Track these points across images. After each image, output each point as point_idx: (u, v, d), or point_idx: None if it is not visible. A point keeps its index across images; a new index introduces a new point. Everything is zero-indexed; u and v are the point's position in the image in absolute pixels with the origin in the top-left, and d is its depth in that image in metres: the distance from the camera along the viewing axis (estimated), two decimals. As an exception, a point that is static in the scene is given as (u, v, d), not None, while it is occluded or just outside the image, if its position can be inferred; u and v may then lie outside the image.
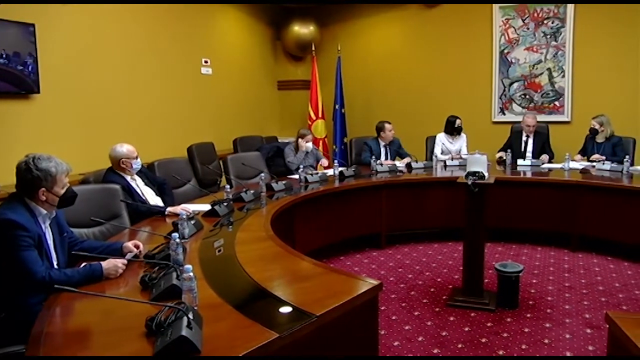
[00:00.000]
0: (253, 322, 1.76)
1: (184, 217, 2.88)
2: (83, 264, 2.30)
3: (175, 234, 2.34)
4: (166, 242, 2.54)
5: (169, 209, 3.55)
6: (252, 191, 4.05)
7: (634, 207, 4.40)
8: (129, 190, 3.58)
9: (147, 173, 4.03)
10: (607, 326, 1.89)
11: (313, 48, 7.63)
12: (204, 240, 2.87)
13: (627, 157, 4.95)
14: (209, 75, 6.54)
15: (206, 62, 6.47)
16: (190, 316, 1.62)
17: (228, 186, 4.03)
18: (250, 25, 7.48)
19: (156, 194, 3.87)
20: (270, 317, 1.84)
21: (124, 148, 3.66)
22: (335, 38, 7.76)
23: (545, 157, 5.55)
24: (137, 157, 3.71)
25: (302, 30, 7.71)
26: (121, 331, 1.74)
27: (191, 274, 1.83)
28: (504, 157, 5.58)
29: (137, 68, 5.41)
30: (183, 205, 3.66)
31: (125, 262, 2.35)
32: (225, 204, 3.59)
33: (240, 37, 7.28)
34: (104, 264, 2.26)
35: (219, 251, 2.71)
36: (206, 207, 3.59)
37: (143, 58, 5.48)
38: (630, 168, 4.86)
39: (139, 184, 3.75)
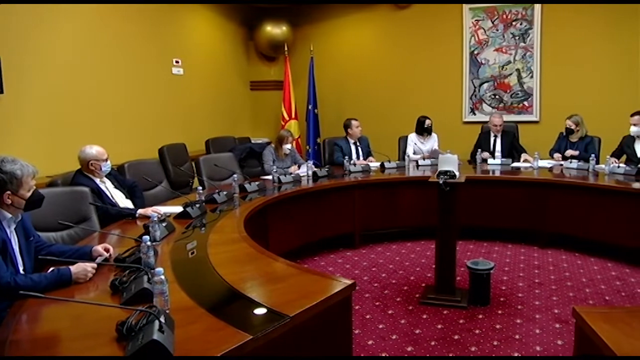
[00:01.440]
0: (226, 324, 1.75)
1: (155, 219, 2.84)
2: (51, 269, 2.25)
3: (146, 237, 2.31)
4: (137, 245, 2.50)
5: (140, 211, 3.49)
6: (224, 192, 4.03)
7: (599, 204, 4.52)
8: (98, 192, 3.52)
9: (117, 175, 3.96)
10: (575, 321, 1.94)
11: (286, 48, 7.61)
12: (175, 243, 2.84)
13: (592, 155, 5.09)
14: (181, 76, 6.45)
15: (177, 62, 6.38)
16: (162, 320, 1.60)
17: (200, 188, 3.99)
18: (222, 25, 7.41)
19: (126, 197, 3.81)
20: (243, 319, 1.83)
21: (94, 150, 3.60)
22: (308, 38, 7.76)
23: (526, 155, 5.64)
24: (107, 159, 3.65)
25: (274, 30, 7.68)
26: (91, 337, 1.70)
27: (162, 277, 1.81)
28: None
29: (106, 68, 5.29)
30: (154, 208, 3.60)
31: (95, 266, 2.30)
32: (197, 205, 3.56)
33: (211, 37, 7.21)
34: (73, 268, 2.21)
35: (192, 253, 2.68)
36: (178, 209, 3.55)
37: (112, 58, 5.37)
38: (596, 166, 5.00)
39: (108, 187, 3.68)
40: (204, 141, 6.46)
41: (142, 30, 5.78)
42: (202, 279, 2.31)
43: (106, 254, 2.47)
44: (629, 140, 5.17)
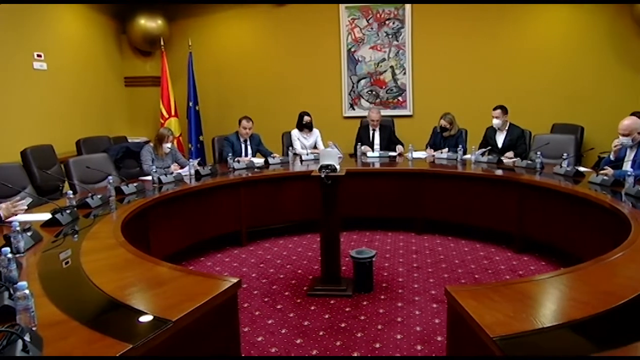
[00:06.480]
0: (103, 335, 1.64)
1: (18, 228, 2.58)
2: None
3: (6, 249, 2.09)
4: (-4, 259, 2.25)
5: None
6: (99, 196, 3.78)
7: (467, 191, 4.93)
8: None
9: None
10: (447, 299, 2.09)
11: (162, 43, 7.29)
12: (44, 253, 2.61)
13: (460, 146, 5.52)
14: (44, 71, 5.91)
15: (39, 56, 5.83)
16: (27, 338, 1.46)
17: (70, 192, 3.69)
18: (90, 16, 6.89)
19: (-18, 206, 3.41)
20: (122, 328, 1.72)
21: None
22: (185, 33, 7.51)
23: (400, 147, 5.99)
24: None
25: (149, 24, 7.32)
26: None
27: (26, 291, 1.65)
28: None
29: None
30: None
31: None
32: (68, 211, 3.29)
33: (79, 29, 6.68)
34: None
35: (67, 263, 2.48)
36: (46, 216, 3.26)
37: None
38: (464, 157, 5.44)
39: (-42, 195, 3.28)
40: (74, 142, 6.00)
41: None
42: (75, 290, 2.14)
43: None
44: (491, 132, 5.69)
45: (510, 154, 5.43)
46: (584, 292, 1.97)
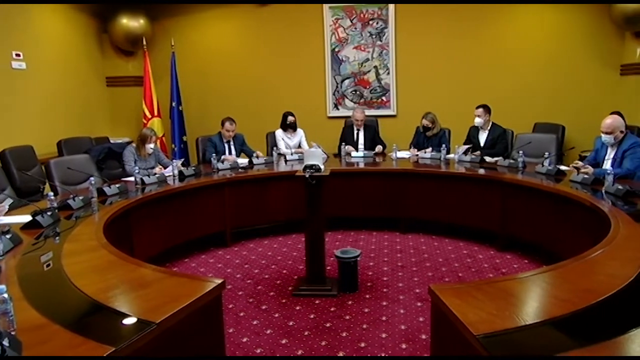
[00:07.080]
0: (85, 339, 1.62)
1: (-3, 231, 2.54)
2: None
3: (-15, 252, 2.05)
4: (-26, 263, 2.21)
5: None
6: (81, 197, 3.73)
7: (450, 190, 4.97)
8: None
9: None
10: (431, 298, 2.10)
11: (144, 42, 7.22)
12: (23, 256, 2.56)
13: (443, 146, 5.56)
14: (23, 70, 5.80)
15: (18, 55, 5.73)
16: (6, 343, 1.44)
17: (51, 193, 3.64)
18: (70, 15, 6.79)
19: (-40, 208, 3.35)
20: (105, 331, 1.70)
21: None
22: (168, 32, 7.44)
23: (379, 147, 6.01)
24: None
25: (131, 23, 7.24)
26: None
27: (5, 295, 1.62)
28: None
29: None
30: None
31: None
32: (49, 213, 3.24)
33: (59, 29, 6.58)
34: None
35: (48, 266, 2.44)
36: (26, 218, 3.21)
37: None
38: (447, 156, 5.47)
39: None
40: (55, 142, 5.92)
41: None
42: (56, 293, 2.11)
43: None
44: (474, 131, 5.73)
45: (478, 152, 5.51)
46: (565, 289, 2.00)
